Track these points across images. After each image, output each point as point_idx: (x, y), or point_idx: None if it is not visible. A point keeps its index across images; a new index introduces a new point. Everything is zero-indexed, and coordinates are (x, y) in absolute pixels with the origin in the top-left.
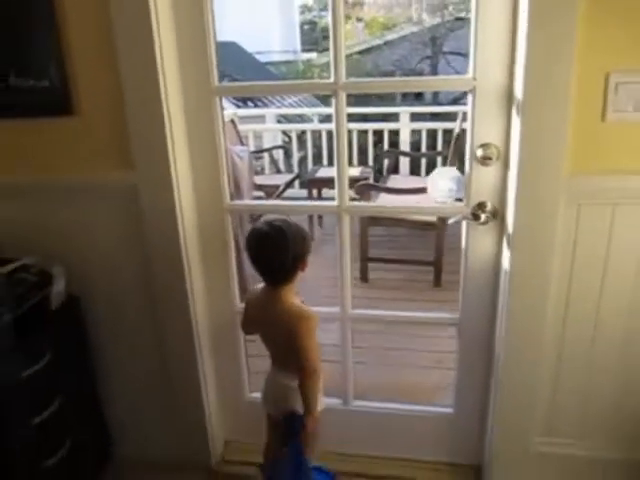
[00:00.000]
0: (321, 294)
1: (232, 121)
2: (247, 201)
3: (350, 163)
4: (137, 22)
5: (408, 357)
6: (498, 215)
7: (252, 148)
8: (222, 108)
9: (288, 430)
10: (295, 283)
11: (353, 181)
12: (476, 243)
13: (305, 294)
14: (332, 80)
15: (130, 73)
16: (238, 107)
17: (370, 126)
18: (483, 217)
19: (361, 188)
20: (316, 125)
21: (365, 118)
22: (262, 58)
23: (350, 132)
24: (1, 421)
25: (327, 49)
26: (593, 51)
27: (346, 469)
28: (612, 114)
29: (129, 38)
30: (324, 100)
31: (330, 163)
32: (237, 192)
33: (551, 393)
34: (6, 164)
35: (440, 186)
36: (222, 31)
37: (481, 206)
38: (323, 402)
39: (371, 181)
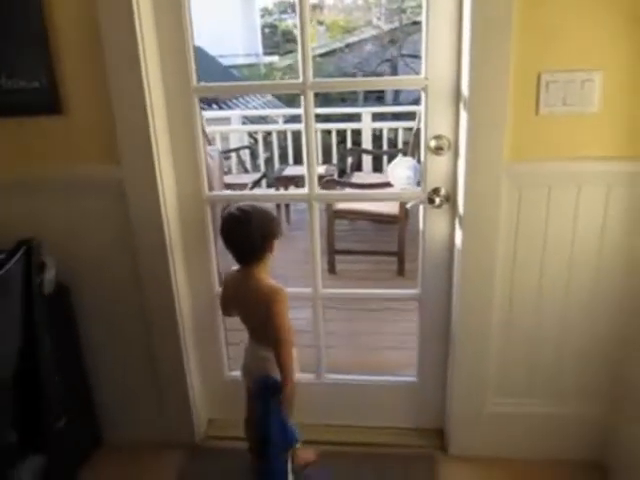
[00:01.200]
0: (291, 284)
1: None
2: (224, 192)
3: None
4: (122, 28)
5: (376, 340)
6: (451, 199)
7: (220, 149)
8: (200, 107)
9: (262, 391)
10: (266, 263)
11: (319, 178)
12: (432, 225)
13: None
14: (300, 80)
15: (115, 75)
16: (204, 109)
17: (334, 126)
18: (437, 201)
19: (328, 184)
20: (281, 126)
21: (329, 119)
22: (225, 61)
23: (314, 132)
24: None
25: (289, 52)
26: (526, 55)
27: (319, 438)
28: (544, 109)
29: (115, 42)
30: (288, 102)
31: (296, 162)
32: (209, 190)
33: (501, 358)
34: (1, 160)
35: (398, 174)
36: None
37: (436, 191)
38: (297, 370)
39: (336, 178)
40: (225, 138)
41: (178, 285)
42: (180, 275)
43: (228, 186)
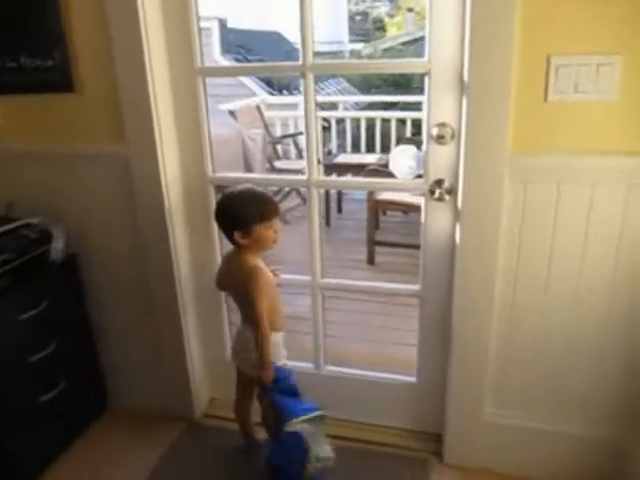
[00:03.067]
0: (332, 274)
1: (258, 107)
2: (226, 174)
3: (372, 150)
4: (126, 8)
5: (382, 334)
6: (454, 192)
7: (278, 134)
8: (205, 87)
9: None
10: (254, 247)
11: (365, 167)
12: (434, 219)
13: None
14: (300, 62)
15: (121, 57)
16: (272, 94)
17: (392, 114)
18: (437, 193)
19: (370, 173)
20: (342, 113)
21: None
22: None
23: (373, 120)
24: (1, 358)
25: (377, 39)
26: (534, 36)
27: None
28: (553, 95)
29: (119, 24)
30: (364, 90)
31: (354, 149)
32: (247, 171)
33: (501, 364)
34: (19, 134)
35: (400, 164)
36: (267, 21)
37: (439, 183)
38: (283, 356)
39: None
40: (285, 124)
41: (179, 261)
42: (181, 251)
43: (281, 171)
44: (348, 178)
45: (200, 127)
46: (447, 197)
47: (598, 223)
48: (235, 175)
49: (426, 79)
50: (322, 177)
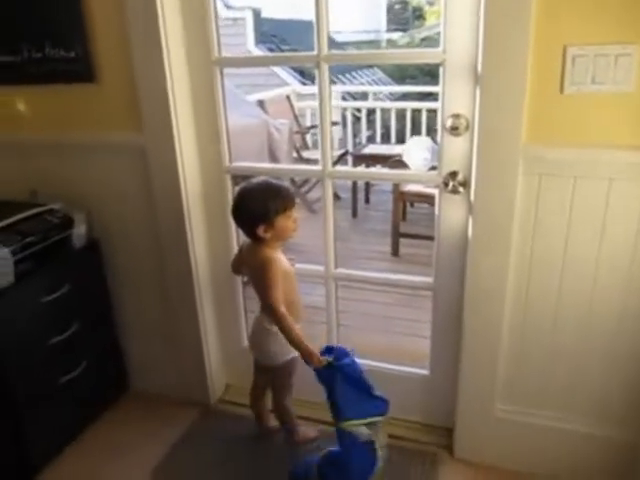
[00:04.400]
0: (355, 265)
1: (288, 97)
2: (241, 163)
3: (403, 141)
4: (146, 3)
5: (397, 326)
6: (468, 184)
7: (309, 124)
8: (222, 77)
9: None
10: (273, 240)
11: (389, 158)
12: (448, 211)
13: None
14: (315, 52)
15: (139, 47)
16: (304, 84)
17: (423, 105)
18: (451, 185)
19: (393, 164)
20: (372, 103)
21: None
22: (341, 38)
23: (404, 111)
24: (23, 339)
25: (415, 28)
26: (551, 25)
27: (323, 417)
28: (570, 87)
29: (138, 17)
30: (399, 80)
31: (384, 140)
32: (273, 161)
33: (512, 360)
34: (41, 124)
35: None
36: (302, 11)
37: (453, 175)
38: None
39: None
40: (315, 114)
41: (195, 248)
42: (198, 239)
43: (308, 161)
44: (362, 170)
45: (217, 117)
46: (461, 189)
47: (614, 218)
48: (250, 165)
49: (441, 69)
50: (337, 168)
